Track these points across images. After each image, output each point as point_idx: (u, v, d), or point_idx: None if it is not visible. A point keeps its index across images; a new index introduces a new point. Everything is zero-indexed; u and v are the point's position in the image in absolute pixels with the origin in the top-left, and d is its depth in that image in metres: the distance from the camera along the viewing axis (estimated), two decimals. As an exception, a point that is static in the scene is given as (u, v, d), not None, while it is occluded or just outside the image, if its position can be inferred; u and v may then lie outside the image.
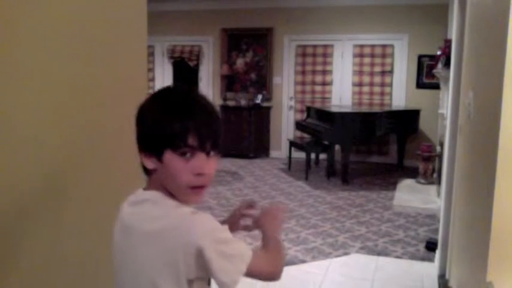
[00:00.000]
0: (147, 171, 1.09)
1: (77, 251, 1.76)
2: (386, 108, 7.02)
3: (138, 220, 1.05)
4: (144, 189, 1.11)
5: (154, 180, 1.08)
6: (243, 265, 1.03)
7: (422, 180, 6.04)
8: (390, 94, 7.72)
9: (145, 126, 1.06)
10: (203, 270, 1.00)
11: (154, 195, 1.07)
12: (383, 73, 7.71)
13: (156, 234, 1.01)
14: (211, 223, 1.03)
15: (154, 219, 1.03)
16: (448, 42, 4.64)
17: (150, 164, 1.06)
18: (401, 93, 7.64)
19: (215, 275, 1.00)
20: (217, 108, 1.13)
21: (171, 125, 1.01)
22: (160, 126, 1.02)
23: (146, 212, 1.06)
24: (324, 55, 7.96)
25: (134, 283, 1.06)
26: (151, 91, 1.15)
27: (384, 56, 7.67)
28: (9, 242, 1.50)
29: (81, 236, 1.78)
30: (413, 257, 3.82)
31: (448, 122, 3.42)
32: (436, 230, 4.05)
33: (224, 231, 1.04)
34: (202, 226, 1.01)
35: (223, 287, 1.01)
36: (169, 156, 1.02)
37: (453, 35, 3.42)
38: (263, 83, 8.26)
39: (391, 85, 7.70)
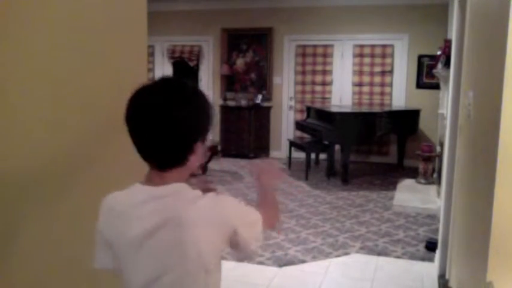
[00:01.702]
0: (169, 166, 1.16)
1: (75, 245, 1.76)
2: (387, 108, 7.01)
3: (184, 210, 1.13)
4: (157, 184, 1.16)
5: (174, 172, 1.16)
6: (260, 227, 1.22)
7: (422, 180, 6.04)
8: (390, 94, 7.72)
9: (184, 127, 1.14)
10: (231, 243, 1.17)
11: (184, 185, 1.17)
12: (383, 73, 7.71)
13: (202, 220, 1.13)
14: (235, 201, 1.21)
15: (199, 208, 1.14)
16: (448, 42, 4.65)
17: (193, 157, 1.17)
18: (401, 93, 7.64)
19: (245, 243, 1.18)
20: None
21: (207, 123, 1.19)
22: (199, 126, 1.17)
23: (190, 200, 1.15)
24: (324, 55, 7.96)
25: (181, 270, 1.13)
26: None
27: (384, 56, 7.67)
28: (10, 233, 1.51)
29: (77, 229, 1.78)
30: (413, 257, 3.82)
31: (448, 122, 3.41)
32: (436, 230, 4.04)
33: (243, 204, 1.22)
34: (232, 207, 1.19)
35: (246, 248, 1.20)
36: (199, 145, 1.17)
37: (453, 35, 3.42)
38: (263, 83, 8.26)
39: (391, 85, 7.70)
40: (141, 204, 1.16)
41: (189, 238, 1.12)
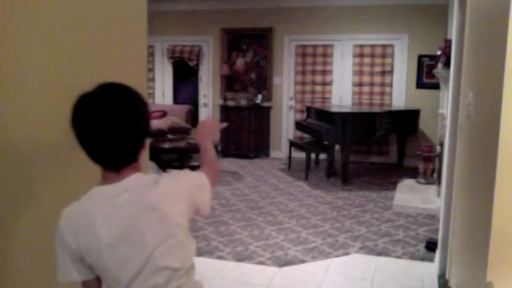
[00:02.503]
0: (125, 165, 1.25)
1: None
2: (386, 108, 7.01)
3: (150, 194, 1.25)
4: (116, 181, 1.24)
5: (129, 169, 1.26)
6: (209, 187, 1.40)
7: (422, 180, 6.04)
8: (390, 94, 7.72)
9: (135, 127, 1.24)
10: (194, 209, 1.34)
11: (141, 174, 1.28)
12: (383, 73, 7.70)
13: (168, 197, 1.27)
14: (187, 172, 1.39)
15: (162, 188, 1.27)
16: (448, 42, 4.64)
17: (142, 152, 1.29)
18: (401, 93, 7.64)
19: (204, 205, 1.37)
20: None
21: (149, 119, 1.32)
22: (146, 123, 1.30)
23: (151, 185, 1.26)
24: (324, 55, 7.96)
25: (167, 243, 1.24)
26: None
27: (384, 56, 7.67)
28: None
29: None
30: (413, 257, 3.82)
31: (448, 122, 3.41)
32: (436, 230, 4.05)
33: (191, 172, 1.41)
34: (187, 179, 1.38)
35: (205, 208, 1.38)
36: (145, 140, 1.30)
37: (453, 35, 3.42)
38: (263, 83, 8.26)
39: (391, 85, 7.70)
40: (108, 203, 1.21)
41: (164, 215, 1.23)
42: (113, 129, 1.18)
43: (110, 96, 1.22)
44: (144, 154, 1.31)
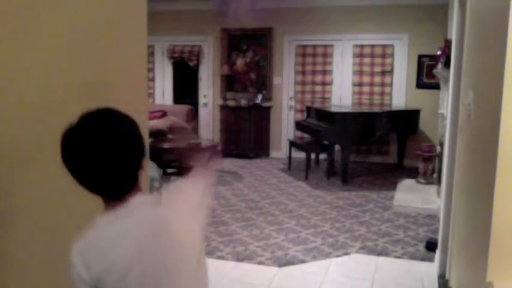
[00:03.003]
0: (126, 192, 1.21)
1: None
2: (386, 108, 7.01)
3: (158, 212, 1.25)
4: (119, 205, 1.20)
5: (133, 189, 1.22)
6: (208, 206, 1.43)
7: (422, 180, 6.04)
8: (390, 94, 7.71)
9: (131, 149, 1.22)
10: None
11: (140, 195, 1.25)
12: (383, 73, 7.70)
13: (176, 210, 1.28)
14: (182, 183, 1.42)
15: (167, 204, 1.28)
16: (448, 42, 4.64)
17: (141, 172, 1.25)
18: (401, 93, 7.64)
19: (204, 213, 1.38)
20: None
21: (143, 139, 1.28)
22: (142, 143, 1.26)
23: (154, 203, 1.26)
24: (324, 55, 7.96)
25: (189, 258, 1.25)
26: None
27: (384, 56, 7.67)
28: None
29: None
30: (413, 257, 3.82)
31: (448, 122, 3.42)
32: (436, 230, 4.05)
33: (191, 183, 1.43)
34: (187, 187, 1.39)
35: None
36: (144, 160, 1.27)
37: (453, 35, 3.42)
38: (263, 83, 8.26)
39: (391, 85, 7.70)
40: (117, 228, 1.18)
41: (177, 228, 1.24)
42: (107, 159, 1.14)
43: (98, 127, 1.16)
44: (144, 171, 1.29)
